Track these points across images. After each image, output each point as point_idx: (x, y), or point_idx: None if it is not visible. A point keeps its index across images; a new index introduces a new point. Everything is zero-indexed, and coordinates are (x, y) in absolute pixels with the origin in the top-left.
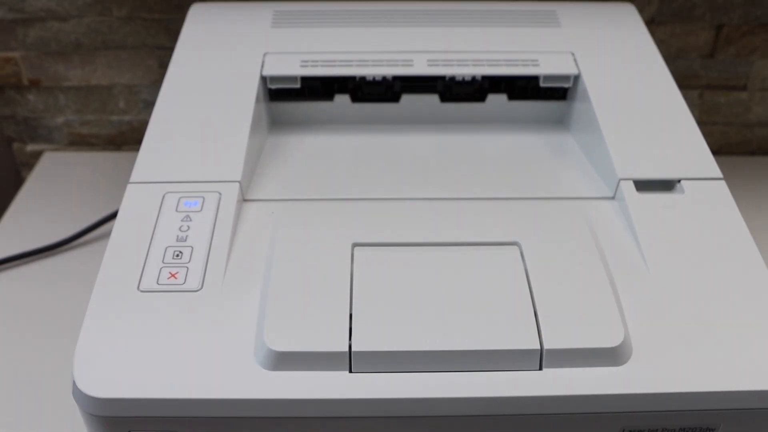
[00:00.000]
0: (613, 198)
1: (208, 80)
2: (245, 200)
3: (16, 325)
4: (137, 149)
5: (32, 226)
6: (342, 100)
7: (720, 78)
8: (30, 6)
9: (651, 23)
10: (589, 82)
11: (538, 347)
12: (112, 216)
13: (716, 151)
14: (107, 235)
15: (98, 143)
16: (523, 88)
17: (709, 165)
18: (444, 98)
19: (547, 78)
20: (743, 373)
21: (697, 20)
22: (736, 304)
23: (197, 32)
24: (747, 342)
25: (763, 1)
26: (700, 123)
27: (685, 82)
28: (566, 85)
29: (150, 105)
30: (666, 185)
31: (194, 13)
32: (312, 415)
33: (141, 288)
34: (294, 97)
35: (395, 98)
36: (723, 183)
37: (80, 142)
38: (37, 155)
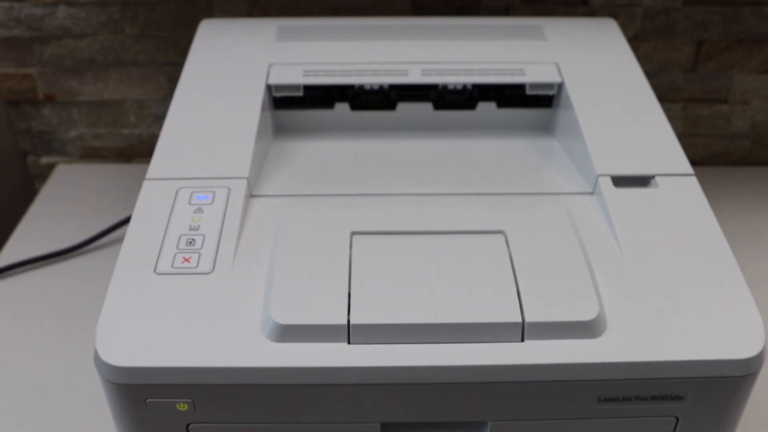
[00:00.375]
0: (592, 193)
1: (217, 88)
2: (252, 196)
3: (33, 322)
4: (147, 161)
5: (45, 234)
6: (342, 108)
7: (702, 91)
8: (47, 25)
9: (634, 39)
10: (571, 89)
11: (520, 320)
12: (124, 221)
13: (699, 162)
14: (119, 240)
15: (109, 156)
16: (510, 96)
17: (681, 162)
18: (437, 106)
19: (533, 86)
20: (708, 344)
21: (679, 36)
22: (703, 284)
23: (207, 45)
24: (712, 317)
25: (740, 18)
26: (684, 135)
27: (668, 95)
28: (551, 93)
29: (159, 119)
30: (641, 180)
31: (204, 28)
32: (313, 382)
33: (157, 270)
34: (297, 105)
35: (392, 106)
36: (694, 178)
37: (92, 154)
38: (50, 167)
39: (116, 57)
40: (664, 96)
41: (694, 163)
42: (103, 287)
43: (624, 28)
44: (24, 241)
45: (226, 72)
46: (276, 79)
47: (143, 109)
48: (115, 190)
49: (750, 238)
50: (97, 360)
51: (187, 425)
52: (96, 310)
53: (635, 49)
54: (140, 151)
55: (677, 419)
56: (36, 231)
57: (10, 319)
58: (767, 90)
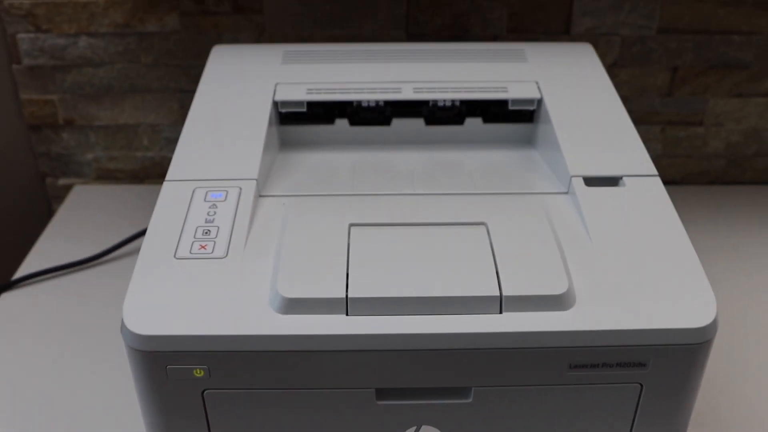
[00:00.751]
0: (567, 192)
1: (229, 103)
2: (261, 196)
3: (50, 326)
4: (159, 182)
5: (62, 248)
6: (342, 123)
7: (679, 115)
8: (69, 54)
9: (614, 66)
10: (549, 104)
11: (498, 294)
12: (139, 235)
13: (679, 181)
14: (132, 252)
15: (123, 177)
16: (495, 112)
17: (647, 164)
18: (428, 121)
19: (515, 101)
20: (666, 315)
21: (654, 63)
22: (663, 266)
23: (219, 67)
24: (671, 293)
25: (711, 45)
26: (663, 155)
27: (647, 118)
28: (531, 108)
29: (171, 142)
30: (610, 180)
31: (216, 52)
32: (315, 349)
33: (177, 256)
34: (300, 121)
35: (387, 122)
36: (657, 178)
37: (107, 176)
38: (67, 188)
39: (132, 84)
40: (643, 119)
41: (674, 182)
42: (115, 295)
43: (604, 55)
44: (42, 255)
45: (237, 89)
46: (282, 96)
47: (156, 133)
48: (128, 210)
49: (725, 251)
50: (124, 330)
51: (203, 392)
52: (108, 314)
53: (615, 76)
54: (153, 172)
55: (641, 386)
56: (53, 245)
57: (28, 323)
58: (740, 113)
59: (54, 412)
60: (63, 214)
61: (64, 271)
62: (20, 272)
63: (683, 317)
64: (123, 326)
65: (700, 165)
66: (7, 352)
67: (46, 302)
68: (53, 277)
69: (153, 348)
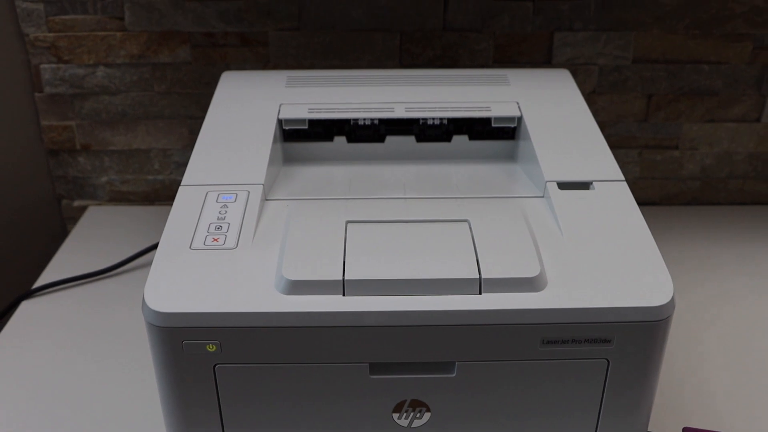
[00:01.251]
0: (542, 196)
1: (238, 120)
2: (266, 199)
3: (66, 333)
4: (169, 204)
5: (77, 262)
6: (340, 140)
7: (655, 139)
8: (87, 83)
9: (593, 93)
10: (528, 121)
11: (478, 276)
12: (151, 248)
13: (658, 202)
14: (146, 265)
15: (135, 199)
16: (480, 130)
17: (615, 171)
18: (419, 139)
19: (497, 119)
20: (628, 296)
21: (630, 91)
22: (626, 254)
23: (229, 90)
24: (632, 277)
25: (683, 74)
26: (641, 178)
27: (625, 143)
28: (512, 125)
29: (181, 166)
30: (582, 185)
31: (225, 78)
32: (315, 325)
33: (192, 247)
34: (302, 137)
35: (381, 139)
36: (624, 183)
37: (120, 198)
38: (81, 210)
39: (145, 111)
40: (621, 143)
41: (652, 203)
42: (127, 303)
43: (583, 84)
44: (57, 269)
45: (245, 108)
46: (286, 114)
47: (167, 157)
48: (139, 228)
49: (700, 263)
50: (145, 308)
51: (214, 366)
52: (120, 320)
53: (594, 102)
54: (163, 195)
55: (608, 362)
56: (68, 259)
57: (45, 328)
58: (712, 137)
59: (69, 408)
60: (78, 232)
61: (79, 281)
62: (38, 283)
63: (643, 297)
64: (144, 305)
65: (677, 186)
66: (26, 354)
67: (62, 309)
68: (69, 287)
69: (171, 324)
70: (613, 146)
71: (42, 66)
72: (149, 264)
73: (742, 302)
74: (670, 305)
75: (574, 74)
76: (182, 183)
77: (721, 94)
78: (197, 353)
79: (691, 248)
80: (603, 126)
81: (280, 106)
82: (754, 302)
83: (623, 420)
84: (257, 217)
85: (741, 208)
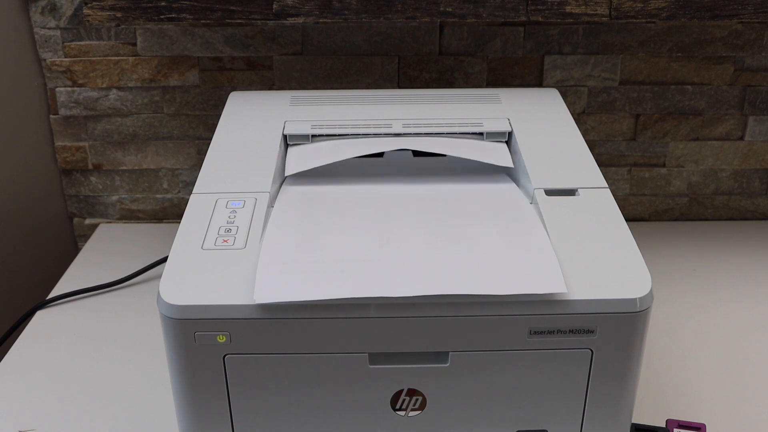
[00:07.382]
0: (531, 203)
1: (245, 135)
2: (271, 207)
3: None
4: (176, 222)
5: (89, 276)
6: None
7: (643, 157)
8: (100, 105)
9: (583, 114)
10: (518, 135)
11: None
12: (160, 261)
13: (647, 218)
14: (155, 278)
15: (144, 217)
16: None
17: (598, 179)
18: (415, 153)
19: (489, 134)
20: (609, 289)
21: (619, 111)
22: (608, 251)
23: (236, 108)
24: (613, 272)
25: (668, 95)
26: (631, 195)
27: (615, 161)
28: (503, 140)
29: (188, 185)
30: (567, 192)
31: (233, 98)
32: (317, 316)
33: (204, 247)
34: None
35: (380, 154)
36: (607, 190)
37: (129, 216)
38: (92, 228)
39: (155, 132)
40: (611, 161)
41: (642, 219)
42: (137, 313)
43: (573, 104)
44: (70, 282)
45: (252, 125)
46: (290, 130)
47: (175, 176)
48: (149, 245)
49: (686, 275)
50: (160, 301)
51: (224, 356)
52: (130, 329)
53: (584, 122)
54: (171, 213)
55: (592, 352)
56: (80, 273)
57: (59, 336)
58: (697, 155)
59: (83, 410)
60: (89, 248)
61: (92, 292)
62: (51, 295)
63: (623, 290)
64: (159, 299)
65: (665, 203)
66: (41, 359)
67: (75, 318)
68: (81, 297)
69: (184, 316)
70: (603, 164)
71: (57, 89)
72: (158, 277)
73: (727, 309)
74: (649, 297)
75: (565, 95)
76: (194, 191)
77: (705, 113)
78: (208, 344)
79: (679, 262)
80: (593, 145)
81: (284, 122)
82: (738, 309)
83: (608, 410)
84: (264, 222)
85: (727, 223)
